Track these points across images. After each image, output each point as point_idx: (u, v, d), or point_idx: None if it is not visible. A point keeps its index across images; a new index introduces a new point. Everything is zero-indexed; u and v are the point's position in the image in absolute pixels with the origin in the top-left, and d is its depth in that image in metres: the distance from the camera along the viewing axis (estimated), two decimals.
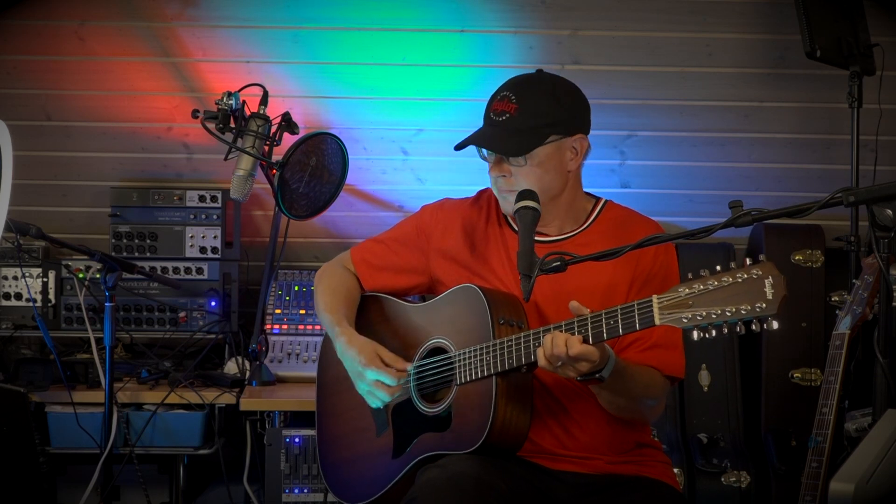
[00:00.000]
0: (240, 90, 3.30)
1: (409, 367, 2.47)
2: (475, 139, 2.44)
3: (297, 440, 3.26)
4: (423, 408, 2.45)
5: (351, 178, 3.53)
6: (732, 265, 1.98)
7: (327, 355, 2.69)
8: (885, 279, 2.34)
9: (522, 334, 2.26)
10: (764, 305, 1.92)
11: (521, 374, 2.30)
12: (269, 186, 3.35)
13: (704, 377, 3.71)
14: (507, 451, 2.33)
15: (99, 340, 3.34)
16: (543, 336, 2.17)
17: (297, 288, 3.70)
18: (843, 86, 3.43)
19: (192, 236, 3.65)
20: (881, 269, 2.13)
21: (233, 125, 3.27)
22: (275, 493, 3.26)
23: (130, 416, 3.31)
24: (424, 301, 2.59)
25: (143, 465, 3.44)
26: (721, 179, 3.85)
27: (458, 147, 2.47)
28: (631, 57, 3.69)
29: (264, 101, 3.33)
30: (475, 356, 2.33)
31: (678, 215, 3.87)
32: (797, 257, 3.71)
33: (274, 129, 3.34)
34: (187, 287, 3.62)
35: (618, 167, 3.84)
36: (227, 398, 3.34)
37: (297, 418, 3.31)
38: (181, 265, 3.64)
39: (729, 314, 1.94)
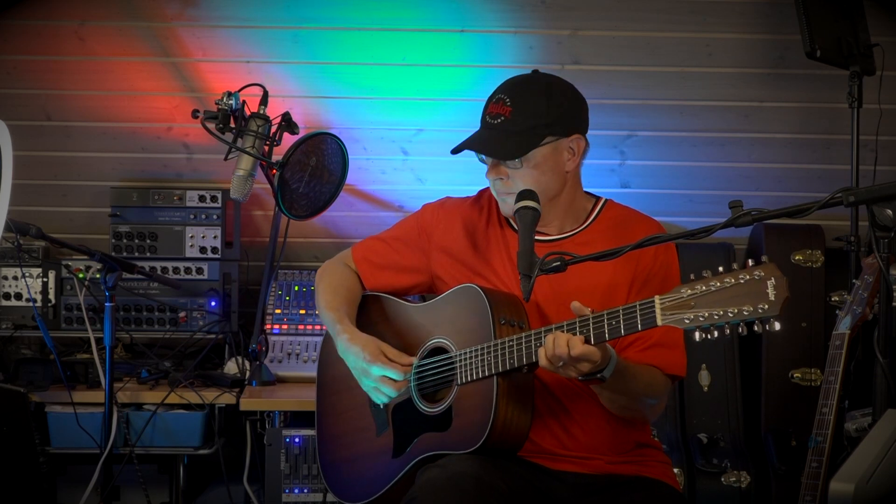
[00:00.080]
0: (240, 90, 3.30)
1: (414, 360, 2.47)
2: (471, 143, 2.44)
3: (297, 440, 3.26)
4: (424, 407, 2.44)
5: (351, 178, 3.53)
6: (735, 266, 1.98)
7: (327, 355, 2.69)
8: (885, 279, 2.34)
9: (524, 334, 2.26)
10: (766, 306, 1.92)
11: (522, 375, 2.30)
12: (269, 186, 3.35)
13: (704, 377, 3.71)
14: (507, 451, 2.34)
15: (99, 340, 3.34)
16: (545, 336, 2.17)
17: (297, 288, 3.70)
18: (843, 86, 3.43)
19: (192, 236, 3.65)
20: (881, 269, 2.13)
21: (233, 125, 3.27)
22: (275, 493, 3.26)
23: (130, 416, 3.31)
24: (425, 301, 2.59)
25: (143, 465, 3.44)
26: (721, 179, 3.85)
27: (455, 151, 2.47)
28: (631, 57, 3.68)
29: (264, 101, 3.33)
30: (476, 356, 2.33)
31: (678, 215, 3.87)
32: (797, 257, 3.71)
33: (274, 129, 3.34)
34: (187, 287, 3.62)
35: (618, 167, 3.84)
36: (227, 398, 3.34)
37: (297, 418, 3.31)
38: (181, 265, 3.64)
39: (731, 315, 1.94)
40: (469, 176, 2.76)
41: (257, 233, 3.89)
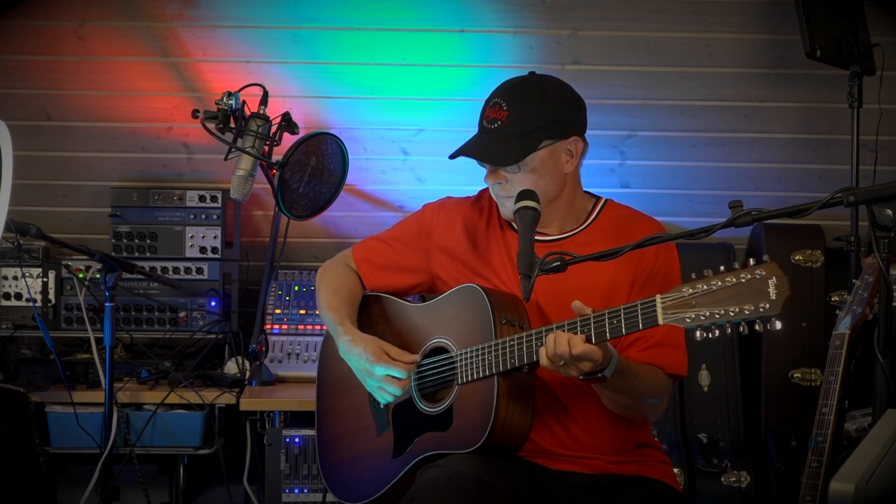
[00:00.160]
0: (240, 90, 3.30)
1: (417, 358, 2.47)
2: (468, 150, 2.44)
3: (297, 440, 3.26)
4: (424, 407, 2.44)
5: (351, 178, 3.53)
6: (736, 265, 1.98)
7: (327, 355, 2.69)
8: (885, 279, 2.34)
9: (525, 334, 2.26)
10: (767, 306, 1.92)
11: (522, 374, 2.30)
12: (269, 186, 3.35)
13: (704, 377, 3.71)
14: (507, 450, 2.33)
15: (99, 340, 3.34)
16: (546, 335, 2.17)
17: (297, 288, 3.69)
18: (843, 86, 3.44)
19: (192, 236, 3.65)
20: (881, 269, 2.13)
21: (233, 125, 3.27)
22: (275, 493, 3.26)
23: (130, 416, 3.31)
24: (425, 301, 2.59)
25: (143, 465, 3.44)
26: (721, 179, 3.85)
27: (452, 157, 2.46)
28: (631, 57, 3.68)
29: (264, 101, 3.33)
30: (477, 356, 2.33)
31: (678, 215, 3.87)
32: (797, 257, 3.71)
33: (274, 129, 3.34)
34: (187, 287, 3.62)
35: (618, 167, 3.84)
36: (227, 398, 3.34)
37: (297, 418, 3.31)
38: (181, 265, 3.64)
39: (732, 314, 1.95)
40: (469, 176, 2.76)
41: (257, 233, 3.89)
